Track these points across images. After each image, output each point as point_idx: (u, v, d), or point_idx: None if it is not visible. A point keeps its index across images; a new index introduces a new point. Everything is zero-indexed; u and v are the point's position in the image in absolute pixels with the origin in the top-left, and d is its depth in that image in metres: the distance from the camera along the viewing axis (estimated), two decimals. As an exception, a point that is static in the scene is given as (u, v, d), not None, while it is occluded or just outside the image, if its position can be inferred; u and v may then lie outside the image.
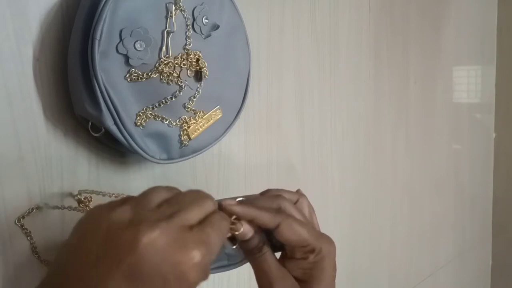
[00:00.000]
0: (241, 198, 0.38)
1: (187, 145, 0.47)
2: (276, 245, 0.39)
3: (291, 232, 0.36)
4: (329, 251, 0.37)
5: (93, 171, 0.47)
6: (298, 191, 0.42)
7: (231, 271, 0.60)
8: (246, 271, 0.40)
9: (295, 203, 0.40)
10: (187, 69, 0.44)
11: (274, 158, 0.67)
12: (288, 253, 0.38)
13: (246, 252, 0.37)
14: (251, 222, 0.35)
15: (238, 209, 0.35)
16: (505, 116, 1.34)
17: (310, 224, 0.39)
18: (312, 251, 0.36)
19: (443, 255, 1.16)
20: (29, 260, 0.43)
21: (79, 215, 0.42)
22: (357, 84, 0.82)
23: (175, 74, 0.43)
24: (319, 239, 0.37)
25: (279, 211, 0.37)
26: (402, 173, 0.97)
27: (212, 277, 0.58)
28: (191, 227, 0.28)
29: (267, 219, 0.35)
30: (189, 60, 0.44)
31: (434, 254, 1.12)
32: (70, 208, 0.43)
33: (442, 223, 1.14)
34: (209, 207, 0.31)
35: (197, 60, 0.45)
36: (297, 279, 0.37)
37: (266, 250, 0.37)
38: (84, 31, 0.40)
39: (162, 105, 0.44)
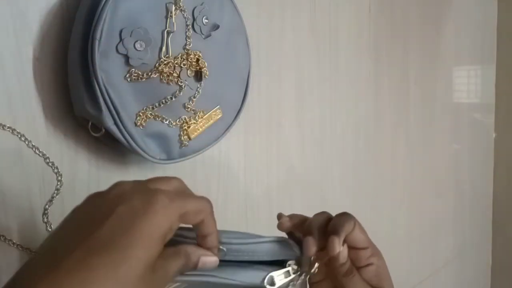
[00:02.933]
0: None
1: (187, 145, 0.47)
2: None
3: (361, 232, 0.38)
4: (381, 254, 0.41)
5: (93, 171, 0.47)
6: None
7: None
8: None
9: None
10: (187, 69, 0.44)
11: (274, 158, 0.67)
12: (355, 265, 0.39)
13: (339, 275, 0.37)
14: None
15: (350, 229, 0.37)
16: (505, 116, 1.34)
17: None
18: (373, 254, 0.39)
19: (443, 255, 1.16)
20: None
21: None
22: (357, 84, 0.82)
23: (175, 74, 0.43)
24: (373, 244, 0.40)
25: (350, 215, 0.38)
26: (402, 173, 0.97)
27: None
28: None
29: (349, 226, 0.37)
30: (189, 60, 0.44)
31: (434, 254, 1.12)
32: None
33: (442, 223, 1.14)
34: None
35: (197, 60, 0.45)
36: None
37: (355, 271, 0.38)
38: (84, 31, 0.40)
39: (162, 105, 0.44)
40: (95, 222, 0.26)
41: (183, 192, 0.31)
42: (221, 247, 0.34)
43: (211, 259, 0.32)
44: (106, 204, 0.27)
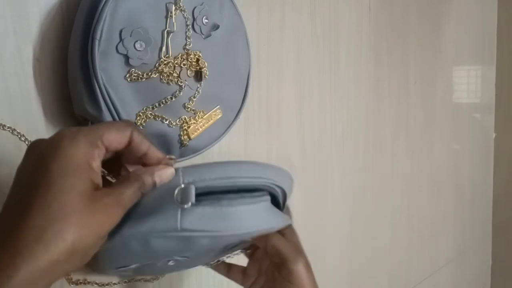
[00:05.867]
0: None
1: (187, 145, 0.47)
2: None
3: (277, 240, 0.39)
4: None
5: (93, 171, 0.47)
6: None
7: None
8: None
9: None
10: (187, 69, 0.44)
11: (274, 158, 0.67)
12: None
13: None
14: None
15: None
16: (505, 116, 1.34)
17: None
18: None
19: (443, 255, 1.16)
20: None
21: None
22: (357, 84, 0.82)
23: (175, 74, 0.43)
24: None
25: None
26: (402, 173, 0.97)
27: (212, 276, 0.58)
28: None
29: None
30: (189, 60, 0.44)
31: (434, 254, 1.12)
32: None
33: (442, 223, 1.14)
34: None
35: (197, 60, 0.45)
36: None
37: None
38: (84, 31, 0.40)
39: (162, 105, 0.44)
40: (21, 185, 0.29)
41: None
42: (168, 155, 0.34)
43: (166, 171, 0.32)
44: (25, 166, 0.30)
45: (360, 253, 0.87)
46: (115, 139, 0.31)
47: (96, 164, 0.29)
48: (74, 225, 0.26)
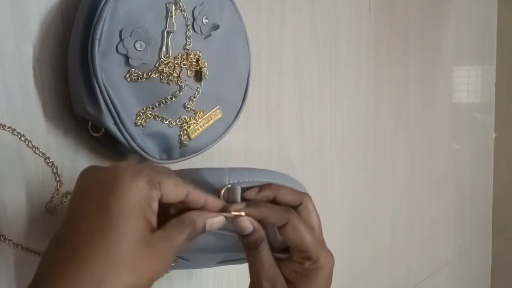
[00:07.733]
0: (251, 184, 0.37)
1: (187, 145, 0.47)
2: (278, 248, 0.38)
3: (295, 234, 0.35)
4: (326, 263, 0.36)
5: (93, 171, 0.47)
6: (302, 193, 0.39)
7: (231, 271, 0.60)
8: (247, 271, 0.40)
9: (298, 205, 0.37)
10: (187, 69, 0.44)
11: (274, 158, 0.67)
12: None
13: (244, 246, 0.37)
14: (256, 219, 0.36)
15: (247, 211, 0.35)
16: (505, 116, 1.34)
17: (313, 231, 0.37)
18: (309, 258, 0.36)
19: (443, 255, 1.16)
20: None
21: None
22: (357, 84, 0.82)
23: (175, 74, 0.43)
24: (319, 249, 0.36)
25: (288, 209, 0.36)
26: (402, 173, 0.97)
27: (212, 276, 0.58)
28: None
29: (275, 218, 0.35)
30: (189, 60, 0.44)
31: (434, 254, 1.12)
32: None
33: (442, 223, 1.14)
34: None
35: (197, 60, 0.45)
36: (287, 280, 0.37)
37: (263, 248, 0.36)
38: (84, 31, 0.40)
39: (162, 105, 0.44)
40: (76, 220, 0.27)
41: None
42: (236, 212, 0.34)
43: (217, 219, 0.33)
44: (81, 196, 0.28)
45: (360, 253, 0.87)
46: (171, 191, 0.30)
47: (155, 205, 0.29)
48: (129, 272, 0.26)
